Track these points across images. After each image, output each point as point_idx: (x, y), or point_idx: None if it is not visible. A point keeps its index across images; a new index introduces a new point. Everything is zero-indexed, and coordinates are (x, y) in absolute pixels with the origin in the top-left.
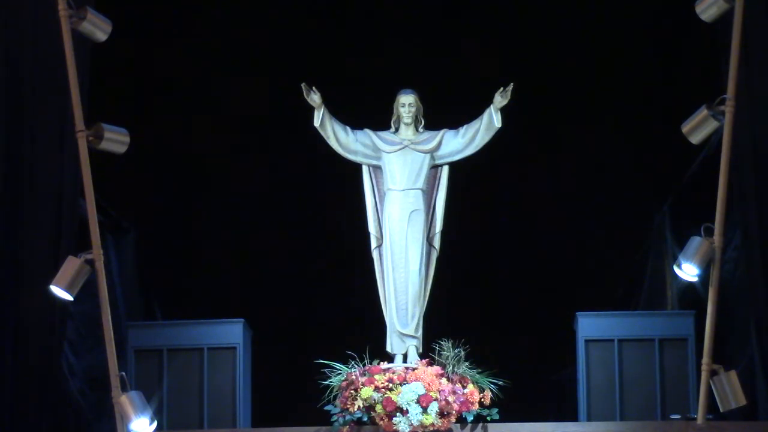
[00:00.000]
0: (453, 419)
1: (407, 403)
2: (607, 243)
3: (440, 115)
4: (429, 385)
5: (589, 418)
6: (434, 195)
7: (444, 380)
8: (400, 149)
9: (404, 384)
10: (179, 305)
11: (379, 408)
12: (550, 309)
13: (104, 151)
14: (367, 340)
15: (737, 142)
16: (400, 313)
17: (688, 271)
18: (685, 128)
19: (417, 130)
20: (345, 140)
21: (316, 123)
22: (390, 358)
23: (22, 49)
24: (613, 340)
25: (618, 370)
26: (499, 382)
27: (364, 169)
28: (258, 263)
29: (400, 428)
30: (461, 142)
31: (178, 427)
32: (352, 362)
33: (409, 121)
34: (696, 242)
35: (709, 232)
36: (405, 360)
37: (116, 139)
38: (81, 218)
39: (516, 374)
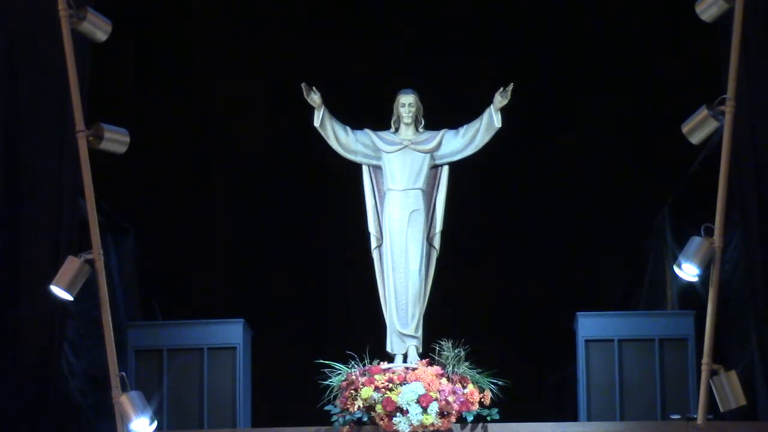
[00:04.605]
0: (453, 419)
1: (407, 403)
2: (607, 243)
3: (440, 115)
4: (429, 385)
5: (589, 418)
6: (434, 195)
7: (444, 380)
8: (400, 149)
9: (404, 384)
10: (179, 305)
11: (379, 408)
12: (550, 309)
13: (104, 151)
14: (367, 340)
15: (737, 142)
16: (400, 313)
17: (688, 271)
18: (685, 128)
19: (417, 130)
20: (345, 140)
21: (316, 123)
22: (390, 358)
23: (22, 49)
24: (613, 340)
25: (618, 370)
26: (499, 382)
27: (364, 169)
28: (258, 263)
29: (400, 428)
30: (461, 142)
31: (178, 427)
32: (352, 362)
33: (409, 121)
34: (696, 242)
35: (709, 232)
36: (405, 360)
37: (116, 139)
38: (81, 218)
39: (516, 374)
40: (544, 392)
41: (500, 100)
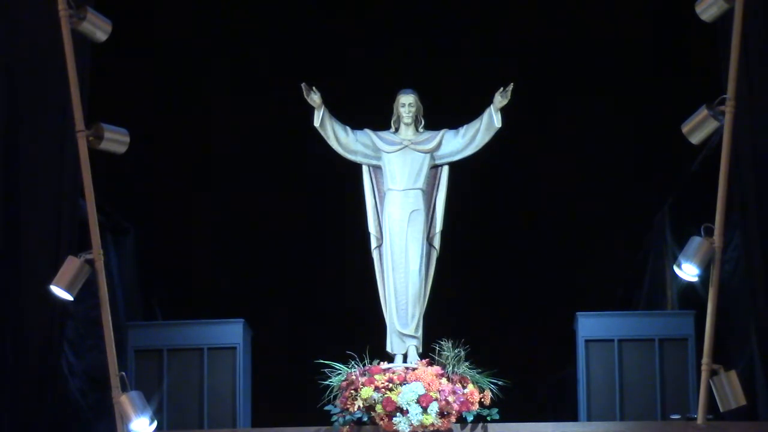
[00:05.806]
0: (453, 419)
1: (407, 403)
2: (607, 243)
3: (440, 115)
4: (429, 385)
5: (589, 418)
6: (434, 195)
7: (444, 380)
8: (400, 149)
9: (404, 384)
10: (179, 305)
11: (379, 408)
12: (550, 309)
13: (104, 151)
14: (367, 340)
15: (737, 142)
16: (400, 313)
17: (688, 271)
18: (685, 128)
19: (417, 130)
20: (345, 140)
21: (316, 123)
22: (390, 358)
23: (22, 49)
24: (613, 340)
25: (618, 370)
26: (499, 382)
27: (364, 169)
28: (258, 263)
29: (400, 428)
30: (461, 142)
31: (178, 427)
32: (352, 362)
33: (409, 121)
34: (696, 242)
35: (709, 232)
36: (405, 360)
37: (116, 139)
38: (81, 218)
39: (516, 374)
40: (544, 392)
41: (500, 100)
